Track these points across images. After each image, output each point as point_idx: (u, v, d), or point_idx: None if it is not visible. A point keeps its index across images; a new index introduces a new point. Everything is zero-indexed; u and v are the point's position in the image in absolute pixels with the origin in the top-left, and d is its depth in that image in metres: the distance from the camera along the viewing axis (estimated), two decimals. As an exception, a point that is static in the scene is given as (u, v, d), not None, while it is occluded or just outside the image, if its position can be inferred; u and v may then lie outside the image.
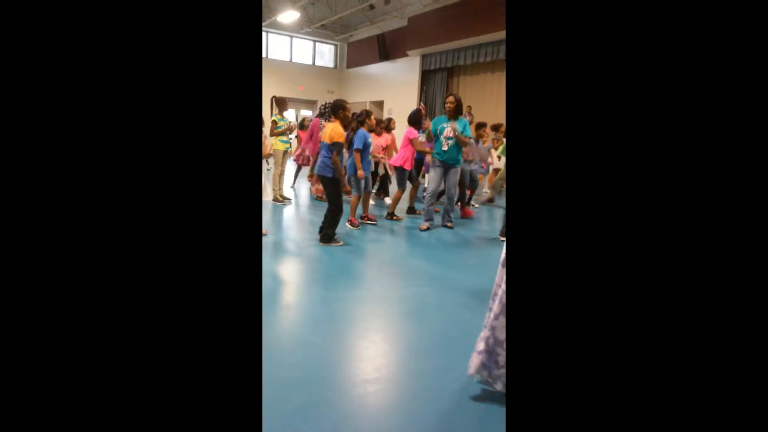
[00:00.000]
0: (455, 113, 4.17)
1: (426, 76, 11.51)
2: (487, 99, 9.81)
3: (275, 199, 5.32)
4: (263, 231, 3.70)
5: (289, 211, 5.16)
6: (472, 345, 1.78)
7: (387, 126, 5.62)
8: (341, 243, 3.70)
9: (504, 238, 3.88)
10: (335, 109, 3.64)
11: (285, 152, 5.38)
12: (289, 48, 13.96)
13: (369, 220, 4.57)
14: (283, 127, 5.18)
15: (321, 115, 5.62)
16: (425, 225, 4.37)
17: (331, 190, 3.62)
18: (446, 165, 4.23)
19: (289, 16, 10.63)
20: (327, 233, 3.66)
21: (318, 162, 3.66)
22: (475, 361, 1.63)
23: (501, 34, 8.76)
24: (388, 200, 5.62)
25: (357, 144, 4.00)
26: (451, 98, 4.19)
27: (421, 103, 11.00)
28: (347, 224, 4.38)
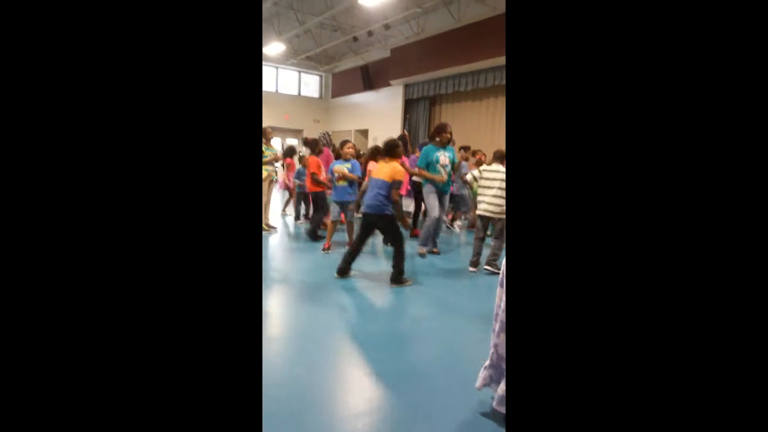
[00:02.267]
0: (447, 143, 4.31)
1: (409, 105, 11.78)
2: (468, 125, 10.06)
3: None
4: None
5: (274, 240, 5.12)
6: (464, 372, 1.77)
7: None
8: (411, 281, 3.46)
9: (473, 269, 3.89)
10: (392, 149, 3.49)
11: (271, 181, 5.39)
12: (275, 79, 14.19)
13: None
14: (270, 157, 5.21)
15: (310, 146, 5.69)
16: (423, 250, 4.43)
17: (390, 227, 3.42)
18: (440, 192, 4.33)
19: (275, 48, 10.87)
20: (398, 276, 3.40)
21: (369, 200, 3.39)
22: (482, 374, 1.70)
23: (480, 65, 9.08)
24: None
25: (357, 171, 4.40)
26: (449, 130, 4.32)
27: (405, 131, 11.21)
28: (322, 250, 4.46)
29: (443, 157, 4.25)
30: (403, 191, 4.81)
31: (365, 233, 3.47)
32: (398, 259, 3.40)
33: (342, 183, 4.42)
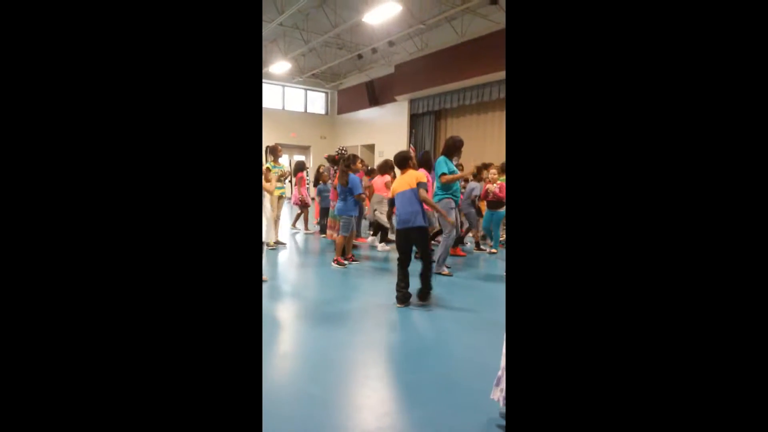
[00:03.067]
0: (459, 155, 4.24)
1: (414, 120, 11.88)
2: (474, 139, 10.10)
3: (268, 245, 5.30)
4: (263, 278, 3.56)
5: (283, 256, 5.12)
6: (473, 387, 1.73)
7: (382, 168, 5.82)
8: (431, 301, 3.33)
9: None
10: (404, 161, 3.40)
11: (280, 197, 5.44)
12: (281, 97, 14.42)
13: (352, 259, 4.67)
14: (278, 174, 5.26)
15: (333, 162, 5.75)
16: (446, 270, 4.27)
17: (423, 240, 3.22)
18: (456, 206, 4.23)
19: (280, 66, 11.07)
20: (427, 293, 3.28)
21: (401, 215, 3.21)
22: (497, 387, 1.69)
23: (484, 78, 9.16)
24: (378, 245, 5.59)
25: (357, 189, 4.40)
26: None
27: (411, 146, 11.25)
28: (333, 264, 4.45)
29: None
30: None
31: (406, 250, 3.24)
32: (427, 274, 3.25)
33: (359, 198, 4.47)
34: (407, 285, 3.23)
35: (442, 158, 4.24)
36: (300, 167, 6.31)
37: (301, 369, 2.24)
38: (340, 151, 5.63)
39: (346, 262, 4.56)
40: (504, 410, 1.67)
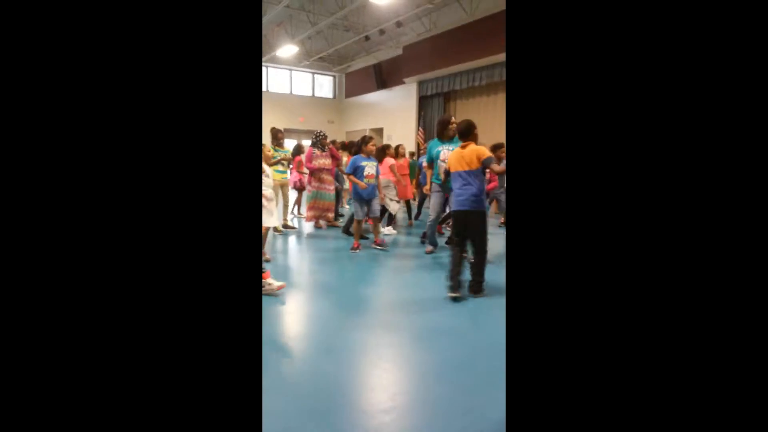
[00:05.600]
0: (453, 136, 4.02)
1: (423, 102, 11.73)
2: (483, 121, 9.95)
3: (276, 229, 5.33)
4: (265, 257, 3.46)
5: (292, 240, 5.17)
6: (482, 368, 1.75)
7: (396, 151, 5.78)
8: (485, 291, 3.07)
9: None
10: (469, 131, 3.02)
11: (284, 184, 5.43)
12: (288, 81, 14.31)
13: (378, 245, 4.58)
14: (278, 158, 5.20)
15: (314, 144, 5.61)
16: (430, 248, 4.37)
17: (481, 226, 2.96)
18: (446, 189, 4.03)
19: (288, 50, 10.96)
20: (478, 281, 3.02)
21: (458, 196, 2.98)
22: None
23: (494, 59, 8.98)
24: (386, 229, 5.53)
25: (348, 168, 4.34)
26: (453, 122, 4.04)
27: (420, 128, 11.13)
28: (351, 250, 4.45)
29: (445, 151, 3.92)
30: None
31: (461, 235, 3.01)
32: (481, 264, 3.01)
33: (371, 180, 4.38)
34: (460, 273, 2.97)
35: (430, 143, 4.17)
36: (298, 150, 6.26)
37: (315, 349, 2.29)
38: (317, 134, 5.47)
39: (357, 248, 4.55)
40: None
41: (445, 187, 4.01)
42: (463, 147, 3.05)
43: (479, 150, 2.96)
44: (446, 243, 4.60)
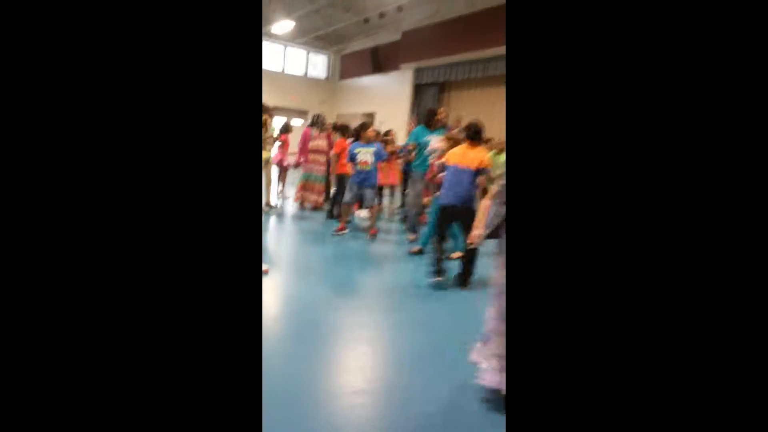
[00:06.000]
0: (438, 127, 4.08)
1: (418, 90, 11.63)
2: (479, 114, 9.95)
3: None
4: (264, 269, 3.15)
5: (274, 221, 5.09)
6: (455, 354, 1.74)
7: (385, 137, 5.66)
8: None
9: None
10: (478, 134, 3.10)
11: (267, 162, 5.26)
12: (282, 58, 14.01)
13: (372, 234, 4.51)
14: (266, 136, 5.04)
15: (313, 124, 5.54)
16: (413, 236, 4.35)
17: (470, 222, 3.03)
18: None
19: (283, 26, 10.68)
20: (466, 275, 3.09)
21: (454, 189, 3.03)
22: (478, 348, 1.75)
23: (492, 51, 8.92)
24: (363, 213, 5.46)
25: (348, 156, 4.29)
26: (443, 114, 4.12)
27: (414, 117, 11.06)
28: (335, 232, 4.42)
29: (434, 141, 3.91)
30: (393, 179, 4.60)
31: (445, 227, 3.11)
32: (471, 260, 3.07)
33: (365, 167, 4.35)
34: (442, 260, 3.07)
35: (417, 128, 4.17)
36: (285, 129, 5.98)
37: (289, 331, 2.26)
38: (318, 115, 5.44)
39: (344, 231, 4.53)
40: (481, 368, 1.70)
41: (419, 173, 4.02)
42: (472, 147, 3.10)
43: (486, 158, 3.06)
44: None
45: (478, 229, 1.68)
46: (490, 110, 9.93)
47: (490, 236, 1.63)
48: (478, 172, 2.99)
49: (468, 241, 1.69)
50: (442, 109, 4.16)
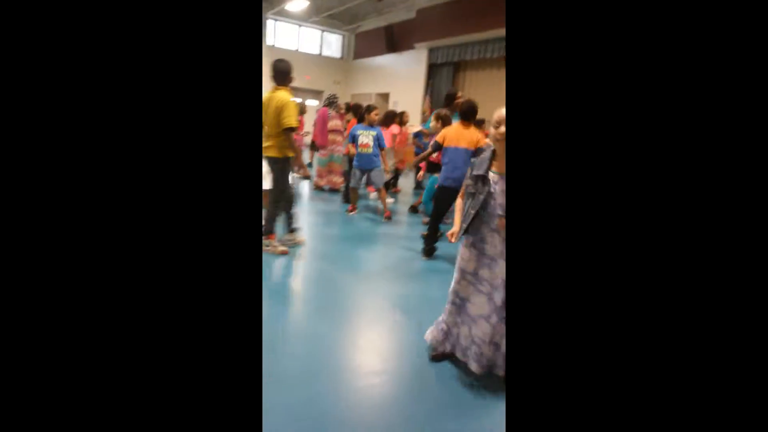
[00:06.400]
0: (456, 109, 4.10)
1: (433, 70, 11.46)
2: (494, 95, 9.80)
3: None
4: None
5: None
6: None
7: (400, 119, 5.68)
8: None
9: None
10: (471, 113, 3.09)
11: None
12: (296, 37, 13.88)
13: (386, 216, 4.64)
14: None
15: (330, 104, 5.56)
16: (427, 219, 4.49)
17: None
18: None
19: (297, 4, 10.56)
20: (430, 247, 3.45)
21: (454, 172, 3.12)
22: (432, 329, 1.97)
23: (509, 31, 8.72)
24: (373, 195, 5.54)
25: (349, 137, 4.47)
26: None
27: (428, 97, 10.92)
28: (347, 212, 4.66)
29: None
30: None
31: (446, 208, 3.28)
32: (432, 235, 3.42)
33: (366, 149, 4.41)
34: (437, 240, 3.39)
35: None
36: (301, 110, 5.97)
37: (308, 310, 2.41)
38: (332, 96, 5.45)
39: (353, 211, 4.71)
40: (431, 343, 1.97)
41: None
42: (466, 126, 3.11)
43: (480, 137, 3.10)
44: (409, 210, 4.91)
45: (456, 227, 1.79)
46: (503, 90, 9.76)
47: (467, 231, 1.73)
48: (477, 151, 3.01)
49: (449, 240, 1.80)
50: (460, 93, 4.13)
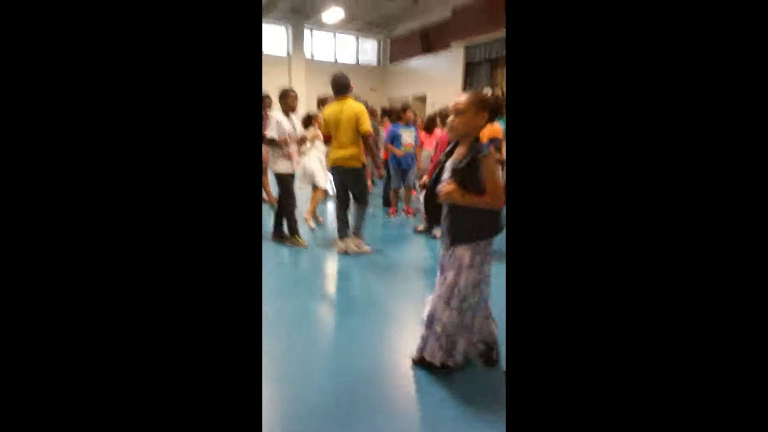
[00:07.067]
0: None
1: (469, 69, 11.29)
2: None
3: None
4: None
5: (331, 206, 5.29)
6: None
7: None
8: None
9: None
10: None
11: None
12: (332, 47, 14.19)
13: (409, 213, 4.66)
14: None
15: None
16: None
17: None
18: None
19: (333, 14, 10.80)
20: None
21: None
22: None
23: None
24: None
25: (387, 138, 4.41)
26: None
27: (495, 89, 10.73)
28: (387, 215, 4.65)
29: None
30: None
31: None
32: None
33: (409, 149, 4.38)
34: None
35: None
36: (307, 121, 5.59)
37: (341, 309, 2.40)
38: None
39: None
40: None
41: None
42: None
43: (494, 128, 2.98)
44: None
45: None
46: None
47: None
48: (490, 142, 2.90)
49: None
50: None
